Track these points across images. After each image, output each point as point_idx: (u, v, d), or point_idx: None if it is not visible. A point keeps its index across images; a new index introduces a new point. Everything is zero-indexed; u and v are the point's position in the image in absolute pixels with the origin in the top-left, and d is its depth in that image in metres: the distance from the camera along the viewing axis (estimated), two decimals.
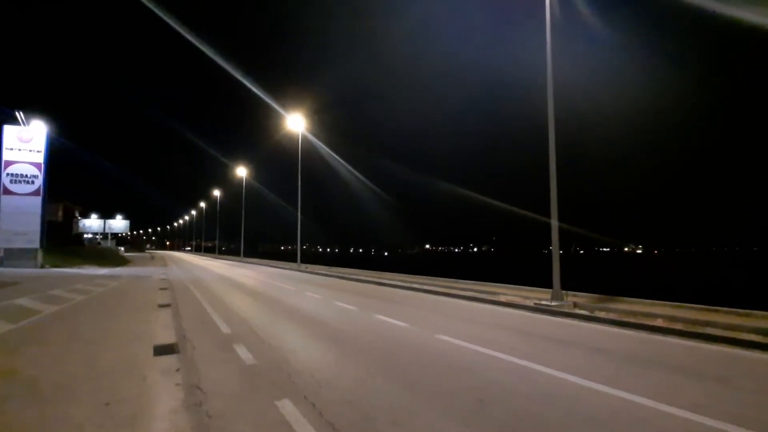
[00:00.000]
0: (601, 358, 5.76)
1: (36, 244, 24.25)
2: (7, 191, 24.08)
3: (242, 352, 5.70)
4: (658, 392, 4.23)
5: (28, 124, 25.41)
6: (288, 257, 45.68)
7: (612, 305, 9.24)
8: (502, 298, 11.13)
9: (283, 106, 29.74)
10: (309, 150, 30.37)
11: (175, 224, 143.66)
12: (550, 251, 10.33)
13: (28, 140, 24.90)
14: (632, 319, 7.90)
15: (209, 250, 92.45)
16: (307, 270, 26.21)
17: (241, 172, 46.58)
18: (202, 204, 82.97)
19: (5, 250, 23.57)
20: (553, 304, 9.53)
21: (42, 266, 24.10)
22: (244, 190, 46.97)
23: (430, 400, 4.02)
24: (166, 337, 6.56)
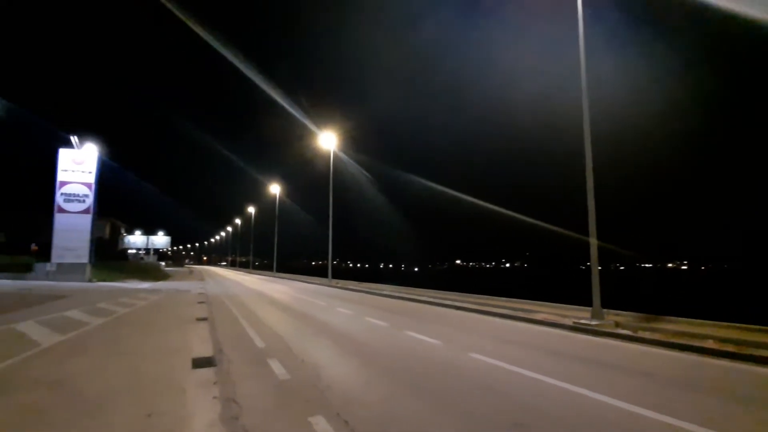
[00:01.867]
0: (646, 381, 5.46)
1: (85, 259, 25.83)
2: (60, 210, 25.87)
3: (276, 366, 5.79)
4: (710, 419, 3.97)
5: (81, 147, 27.31)
6: (319, 272, 46.14)
7: (656, 325, 8.77)
8: (538, 316, 10.79)
9: (315, 124, 30.58)
10: (338, 166, 30.91)
11: (212, 240, 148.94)
12: (587, 267, 9.98)
13: (81, 162, 26.77)
14: (679, 340, 7.47)
15: (244, 265, 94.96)
16: (338, 285, 26.38)
17: (275, 189, 47.84)
18: (237, 221, 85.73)
19: (57, 264, 25.18)
20: (593, 323, 9.15)
21: (90, 280, 25.53)
22: (277, 207, 48.19)
23: (463, 422, 3.93)
24: (204, 351, 6.75)
